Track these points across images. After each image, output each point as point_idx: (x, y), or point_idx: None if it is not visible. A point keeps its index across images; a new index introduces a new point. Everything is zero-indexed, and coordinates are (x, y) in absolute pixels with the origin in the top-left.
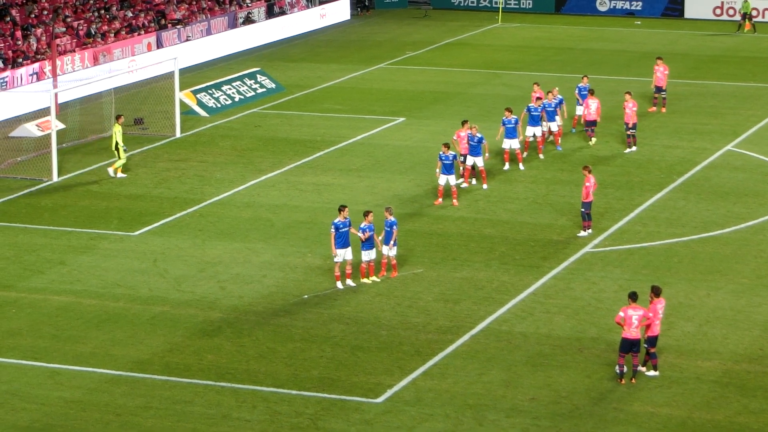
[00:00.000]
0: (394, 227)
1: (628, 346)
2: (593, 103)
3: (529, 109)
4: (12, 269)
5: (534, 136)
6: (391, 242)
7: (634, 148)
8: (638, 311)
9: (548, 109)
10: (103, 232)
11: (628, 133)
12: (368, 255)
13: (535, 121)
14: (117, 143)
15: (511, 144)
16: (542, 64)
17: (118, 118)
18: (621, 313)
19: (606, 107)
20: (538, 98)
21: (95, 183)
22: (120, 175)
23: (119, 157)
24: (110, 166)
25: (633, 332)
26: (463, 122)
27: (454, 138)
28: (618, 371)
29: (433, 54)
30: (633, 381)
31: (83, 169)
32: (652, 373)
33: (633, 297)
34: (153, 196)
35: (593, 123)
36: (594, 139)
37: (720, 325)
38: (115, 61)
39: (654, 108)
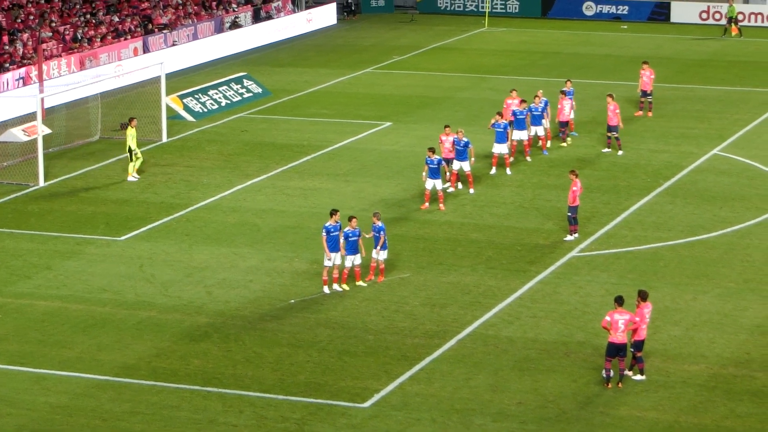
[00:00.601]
0: (382, 232)
1: (615, 351)
2: (566, 104)
3: (514, 113)
4: None
5: (520, 140)
6: (379, 247)
7: (620, 152)
8: (624, 315)
9: (534, 113)
10: (89, 237)
11: (608, 134)
12: (350, 260)
13: (520, 125)
14: (129, 147)
15: (501, 149)
16: (529, 68)
17: (131, 120)
18: (607, 318)
19: (592, 111)
20: (523, 101)
21: (81, 188)
22: (132, 177)
23: (132, 160)
24: (128, 174)
25: (619, 337)
26: (445, 127)
27: (439, 142)
28: (604, 375)
29: (419, 58)
30: (619, 385)
31: (70, 174)
32: (638, 377)
33: (619, 301)
34: (139, 200)
35: (565, 124)
36: (569, 140)
37: (706, 329)
38: (102, 65)
39: (640, 112)
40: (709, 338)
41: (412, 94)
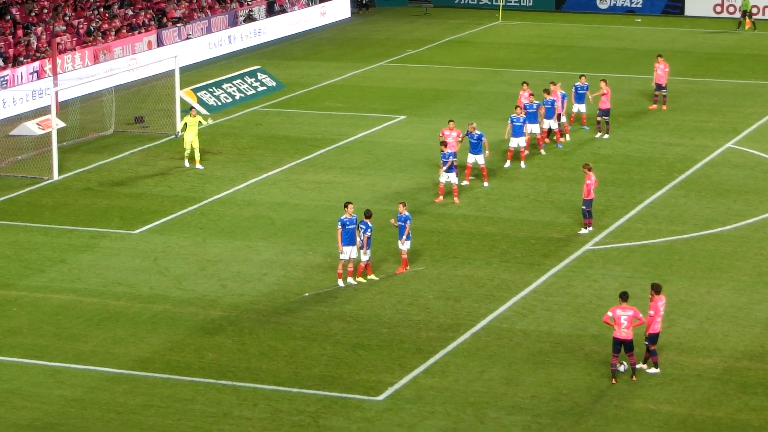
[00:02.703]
0: (408, 222)
1: (619, 346)
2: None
3: (525, 107)
4: (13, 268)
5: (532, 134)
6: (404, 236)
7: (606, 136)
8: (627, 312)
9: (547, 106)
10: (103, 230)
11: (599, 119)
12: (364, 255)
13: (532, 118)
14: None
15: (519, 142)
16: (543, 61)
17: (190, 110)
18: (609, 313)
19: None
20: (531, 95)
21: (96, 181)
22: (186, 164)
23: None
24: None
25: (623, 333)
26: (449, 121)
27: (440, 137)
28: (612, 371)
29: (433, 52)
30: (633, 378)
31: (84, 167)
32: (653, 370)
33: (623, 297)
34: (154, 194)
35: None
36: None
37: (721, 322)
38: (116, 59)
39: (654, 105)
40: (723, 331)
41: (426, 88)
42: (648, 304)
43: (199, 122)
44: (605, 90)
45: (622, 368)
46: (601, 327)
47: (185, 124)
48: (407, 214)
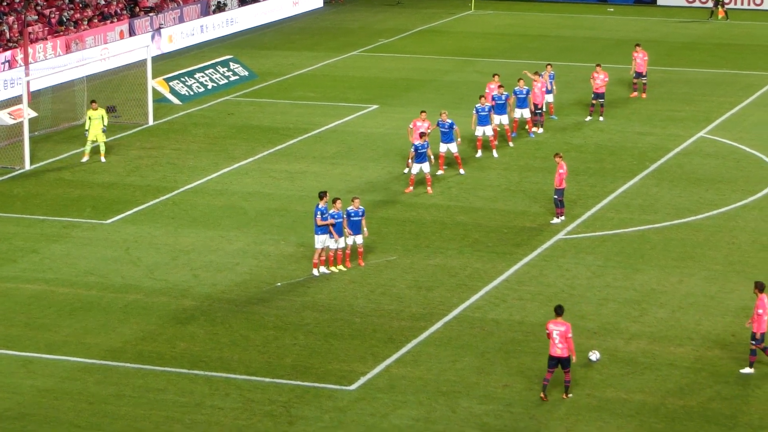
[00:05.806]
0: (362, 216)
1: (554, 363)
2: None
3: (494, 98)
4: None
5: (500, 124)
6: (362, 230)
7: (601, 118)
8: (559, 327)
9: (519, 96)
10: (75, 220)
11: (594, 102)
12: (336, 243)
13: (500, 109)
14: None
15: (485, 131)
16: (515, 51)
17: (92, 103)
18: (547, 330)
19: (578, 94)
20: (500, 86)
21: (68, 171)
22: (85, 159)
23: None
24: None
25: (558, 349)
26: (421, 112)
27: (410, 127)
28: (544, 385)
29: (406, 41)
30: (564, 396)
31: (55, 157)
32: None
33: (557, 311)
34: (126, 184)
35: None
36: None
37: (692, 311)
38: (88, 48)
39: (635, 93)
40: (695, 320)
41: (399, 77)
42: (755, 303)
43: (102, 116)
44: (602, 74)
45: (594, 357)
46: (573, 316)
47: (89, 117)
48: (362, 208)
